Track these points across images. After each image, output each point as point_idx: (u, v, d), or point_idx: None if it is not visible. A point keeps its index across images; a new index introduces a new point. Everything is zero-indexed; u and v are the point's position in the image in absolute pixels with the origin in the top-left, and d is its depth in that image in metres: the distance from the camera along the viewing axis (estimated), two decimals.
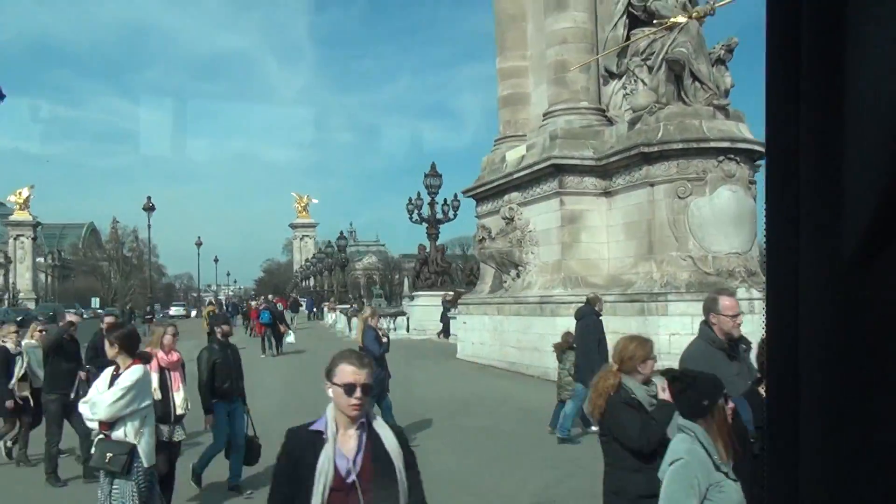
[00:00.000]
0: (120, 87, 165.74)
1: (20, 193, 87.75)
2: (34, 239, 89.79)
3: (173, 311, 68.75)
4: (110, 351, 5.35)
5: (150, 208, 36.53)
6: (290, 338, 24.97)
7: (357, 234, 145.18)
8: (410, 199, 27.60)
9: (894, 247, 0.54)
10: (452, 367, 18.61)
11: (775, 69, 0.65)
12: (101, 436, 5.10)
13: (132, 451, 5.01)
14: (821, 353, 0.61)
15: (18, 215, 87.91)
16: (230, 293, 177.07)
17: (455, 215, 27.49)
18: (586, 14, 16.05)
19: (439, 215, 27.89)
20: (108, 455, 4.98)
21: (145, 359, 5.75)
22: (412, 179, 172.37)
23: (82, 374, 8.27)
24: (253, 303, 36.48)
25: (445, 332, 25.32)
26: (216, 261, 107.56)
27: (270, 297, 35.92)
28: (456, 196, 27.35)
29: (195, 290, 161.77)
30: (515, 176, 16.69)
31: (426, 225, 27.59)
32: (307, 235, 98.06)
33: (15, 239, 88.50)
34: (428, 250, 27.54)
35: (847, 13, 0.57)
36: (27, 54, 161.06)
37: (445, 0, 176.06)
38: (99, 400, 5.05)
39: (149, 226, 37.10)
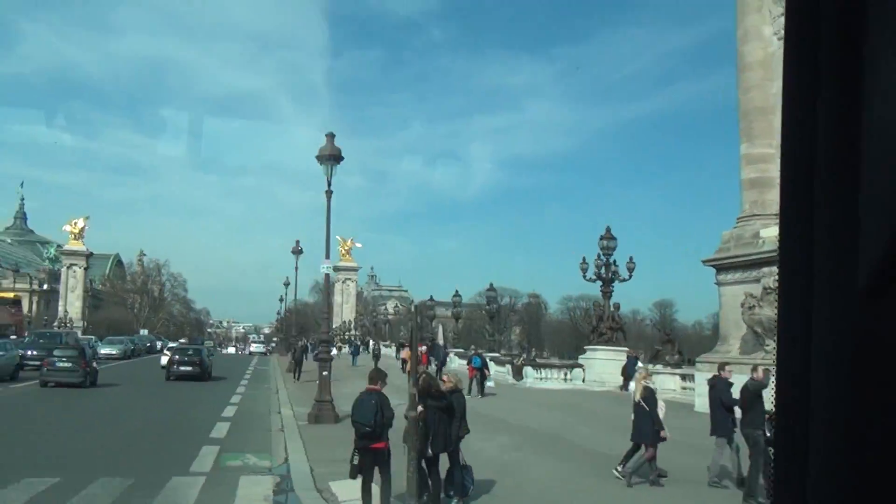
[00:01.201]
0: (137, 120, 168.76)
1: (75, 224, 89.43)
2: (86, 269, 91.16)
3: (253, 347, 67.10)
4: None
5: (298, 251, 38.82)
6: (490, 382, 27.44)
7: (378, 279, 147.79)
8: (584, 258, 30.43)
9: None
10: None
11: (791, 97, 0.67)
12: None
13: None
14: (832, 381, 0.61)
15: (73, 245, 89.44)
16: (241, 329, 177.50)
17: (630, 276, 30.12)
18: None
19: (594, 272, 30.54)
20: None
21: None
22: (421, 223, 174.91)
23: None
24: (422, 347, 38.48)
25: (626, 385, 27.71)
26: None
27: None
28: (631, 258, 30.15)
29: (210, 324, 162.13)
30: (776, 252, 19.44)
31: (600, 283, 30.18)
32: (349, 279, 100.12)
33: (68, 268, 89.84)
34: (602, 307, 30.07)
35: (864, 42, 0.57)
36: (48, 85, 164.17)
37: (461, 52, 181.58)
38: None
39: (296, 268, 39.31)
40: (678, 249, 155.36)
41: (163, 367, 32.94)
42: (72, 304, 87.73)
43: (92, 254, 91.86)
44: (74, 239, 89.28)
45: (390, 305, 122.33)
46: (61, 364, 25.66)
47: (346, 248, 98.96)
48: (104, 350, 43.81)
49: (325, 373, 18.05)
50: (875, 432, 0.57)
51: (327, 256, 18.51)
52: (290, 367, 30.89)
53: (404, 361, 37.73)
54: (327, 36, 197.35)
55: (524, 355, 35.14)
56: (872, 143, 0.56)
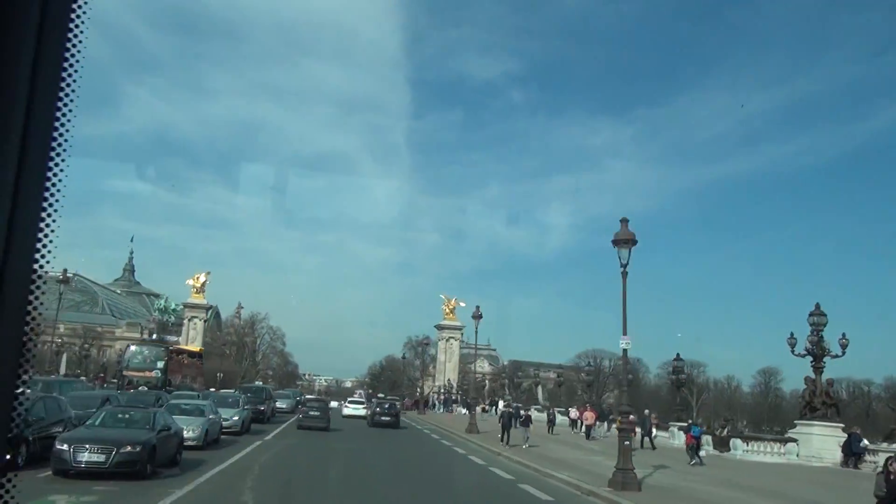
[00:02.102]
0: (226, 177, 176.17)
1: (197, 278, 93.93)
2: (206, 321, 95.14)
3: (349, 409, 61.23)
4: None
5: (478, 317, 40.41)
6: (702, 451, 28.25)
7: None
8: (792, 334, 31.12)
9: None
10: None
11: None
12: None
13: None
14: None
15: (195, 298, 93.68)
16: (324, 382, 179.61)
17: (844, 353, 30.59)
18: None
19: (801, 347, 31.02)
20: None
21: None
22: (495, 282, 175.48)
23: None
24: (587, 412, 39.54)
25: (847, 461, 27.97)
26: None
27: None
28: (844, 335, 30.68)
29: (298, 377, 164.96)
30: None
31: (811, 359, 30.72)
32: (452, 337, 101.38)
33: (189, 320, 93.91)
34: (815, 382, 30.53)
35: None
36: (148, 144, 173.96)
37: (540, 113, 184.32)
38: None
39: (475, 331, 40.81)
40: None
41: (345, 417, 44.29)
42: None
43: (212, 307, 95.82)
44: (196, 292, 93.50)
45: (480, 364, 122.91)
46: (312, 413, 34.76)
47: (451, 307, 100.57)
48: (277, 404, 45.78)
49: (626, 442, 19.03)
50: None
51: (625, 333, 19.72)
52: (500, 433, 31.97)
53: (589, 427, 38.56)
54: (409, 99, 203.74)
55: (728, 427, 35.47)
56: None
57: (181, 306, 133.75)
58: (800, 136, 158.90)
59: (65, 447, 15.05)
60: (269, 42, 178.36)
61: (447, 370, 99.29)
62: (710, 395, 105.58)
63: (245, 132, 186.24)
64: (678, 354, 45.02)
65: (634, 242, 20.12)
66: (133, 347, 42.01)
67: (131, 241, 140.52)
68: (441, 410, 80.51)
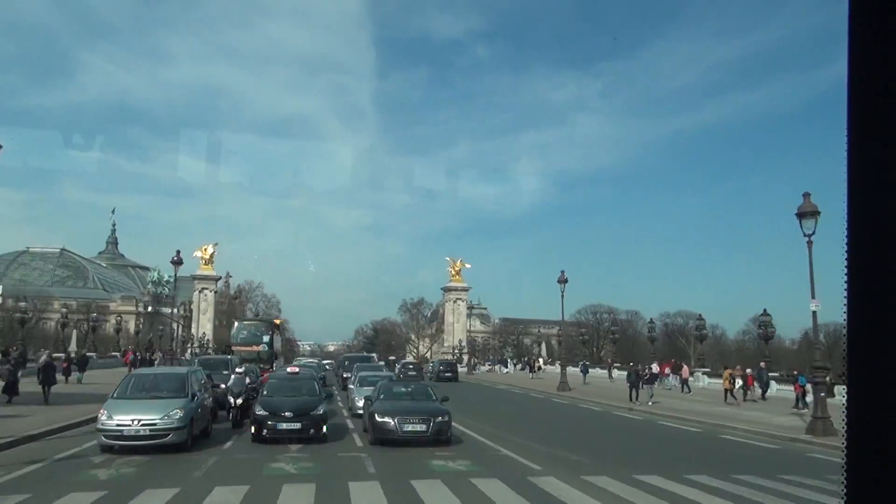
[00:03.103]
0: (189, 145, 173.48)
1: (206, 249, 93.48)
2: (215, 292, 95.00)
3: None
4: None
5: (563, 280, 42.17)
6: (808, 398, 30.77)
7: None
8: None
9: None
10: None
11: (858, 131, 0.71)
12: None
13: None
14: None
15: (204, 270, 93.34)
16: (307, 347, 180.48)
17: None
18: None
19: None
20: None
21: None
22: (467, 242, 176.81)
23: None
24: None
25: None
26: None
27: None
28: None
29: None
30: None
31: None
32: (460, 299, 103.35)
33: (200, 292, 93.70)
34: None
35: None
36: (106, 113, 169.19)
37: (505, 69, 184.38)
38: None
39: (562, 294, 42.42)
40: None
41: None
42: (204, 326, 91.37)
43: (220, 277, 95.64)
44: (205, 264, 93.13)
45: (473, 324, 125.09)
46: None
47: (456, 268, 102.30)
48: None
49: (822, 394, 21.19)
50: None
51: (813, 297, 21.39)
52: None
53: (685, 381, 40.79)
54: (374, 58, 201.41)
55: (829, 375, 38.07)
56: None
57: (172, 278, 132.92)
58: (762, 85, 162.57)
59: (387, 420, 16.49)
60: (226, 3, 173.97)
61: (455, 331, 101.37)
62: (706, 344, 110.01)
63: (206, 97, 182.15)
64: (765, 310, 47.08)
65: (817, 214, 20.68)
66: (237, 324, 43.07)
67: (112, 213, 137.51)
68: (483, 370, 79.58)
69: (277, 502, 10.41)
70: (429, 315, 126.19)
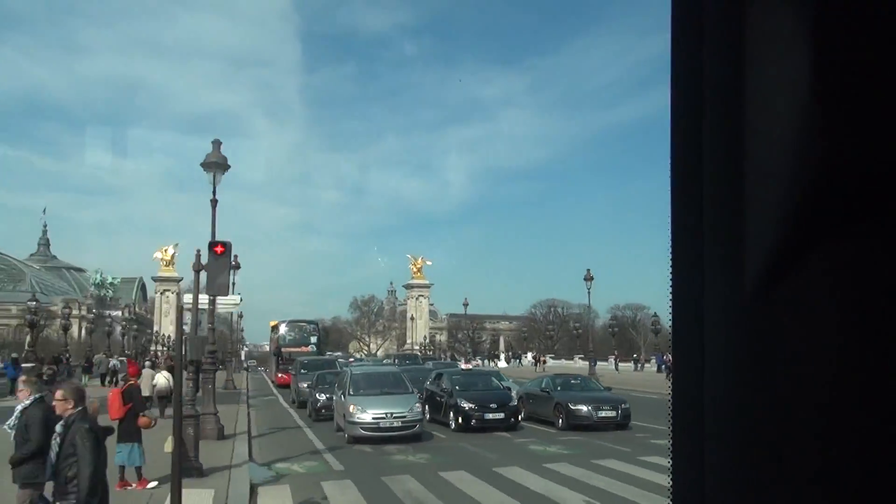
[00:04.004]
0: (108, 141, 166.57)
1: (165, 251, 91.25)
2: (177, 294, 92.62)
3: None
4: None
5: (589, 278, 44.66)
6: None
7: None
8: None
9: (789, 281, 0.57)
10: None
11: (679, 128, 0.70)
12: None
13: None
14: (726, 377, 0.63)
15: (165, 271, 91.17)
16: (245, 348, 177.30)
17: None
18: None
19: None
20: None
21: None
22: (397, 238, 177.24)
23: None
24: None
25: None
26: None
27: None
28: None
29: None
30: None
31: None
32: (422, 295, 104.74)
33: (161, 294, 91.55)
34: None
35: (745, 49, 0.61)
36: (19, 108, 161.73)
37: (433, 65, 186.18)
38: None
39: (588, 293, 44.73)
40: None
41: None
42: (166, 328, 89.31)
43: (182, 279, 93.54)
44: (165, 265, 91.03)
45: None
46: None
47: (418, 266, 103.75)
48: None
49: None
50: (766, 433, 0.59)
51: None
52: None
53: None
54: (300, 53, 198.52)
55: None
56: (753, 167, 0.61)
57: (118, 279, 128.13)
58: None
59: (584, 408, 18.33)
60: None
61: (419, 327, 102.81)
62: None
63: (125, 92, 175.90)
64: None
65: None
66: (284, 325, 43.03)
67: (44, 212, 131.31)
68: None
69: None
70: (377, 311, 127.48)
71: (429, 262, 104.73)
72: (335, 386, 19.32)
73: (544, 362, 66.71)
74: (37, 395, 7.32)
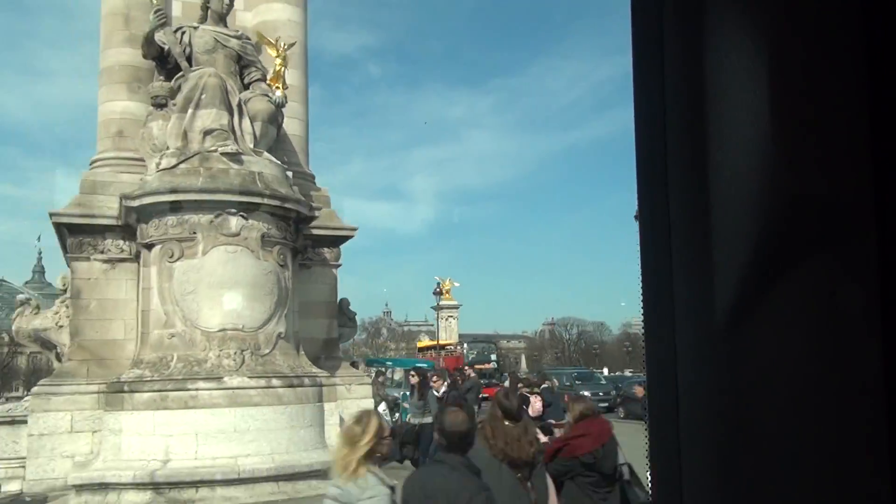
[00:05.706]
0: (71, 166, 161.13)
1: None
2: None
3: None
4: None
5: None
6: None
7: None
8: None
9: (758, 314, 0.58)
10: None
11: (644, 152, 0.70)
12: None
13: None
14: (700, 409, 0.64)
15: None
16: None
17: None
18: None
19: None
20: None
21: None
22: (367, 259, 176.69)
23: None
24: None
25: None
26: None
27: None
28: None
29: None
30: None
31: None
32: (451, 316, 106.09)
33: None
34: None
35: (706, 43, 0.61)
36: None
37: (398, 86, 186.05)
38: None
39: None
40: None
41: None
42: None
43: None
44: None
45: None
46: None
47: (446, 287, 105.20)
48: None
49: None
50: (744, 457, 0.60)
51: None
52: None
53: None
54: None
55: None
56: (718, 192, 0.61)
57: None
58: None
59: None
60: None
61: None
62: None
63: (87, 116, 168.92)
64: None
65: None
66: (467, 345, 44.79)
67: (38, 240, 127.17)
68: None
69: None
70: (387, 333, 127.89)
71: (457, 284, 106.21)
72: None
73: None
74: None
